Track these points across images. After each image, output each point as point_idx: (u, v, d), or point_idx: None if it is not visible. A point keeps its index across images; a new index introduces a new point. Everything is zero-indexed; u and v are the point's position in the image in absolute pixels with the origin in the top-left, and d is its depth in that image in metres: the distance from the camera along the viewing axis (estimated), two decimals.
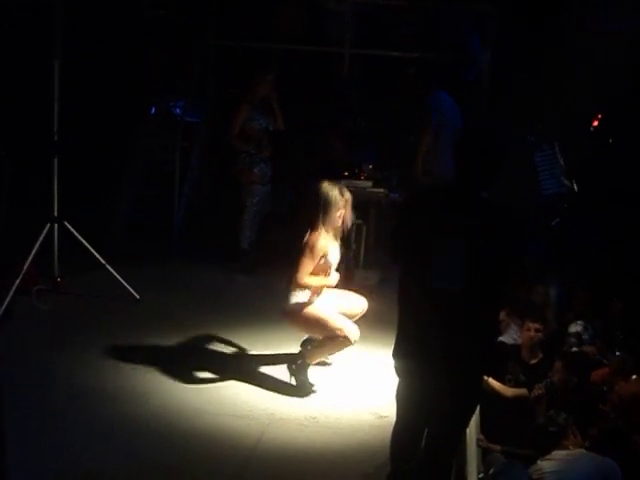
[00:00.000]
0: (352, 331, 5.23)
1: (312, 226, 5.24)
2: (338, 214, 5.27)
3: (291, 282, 5.25)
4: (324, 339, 5.34)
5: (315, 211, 5.23)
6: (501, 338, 5.64)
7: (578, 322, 5.70)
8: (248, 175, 7.38)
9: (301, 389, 5.27)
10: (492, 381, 5.21)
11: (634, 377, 4.91)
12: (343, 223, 5.35)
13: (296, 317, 5.31)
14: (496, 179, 3.41)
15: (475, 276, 3.32)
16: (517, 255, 3.45)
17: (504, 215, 3.43)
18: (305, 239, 5.22)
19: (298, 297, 5.27)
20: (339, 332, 5.21)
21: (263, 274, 7.32)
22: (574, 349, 5.45)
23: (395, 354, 3.54)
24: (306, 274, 5.19)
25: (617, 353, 5.13)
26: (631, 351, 5.27)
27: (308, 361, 5.34)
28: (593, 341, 5.61)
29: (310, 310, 5.28)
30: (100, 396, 5.04)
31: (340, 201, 5.26)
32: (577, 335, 5.60)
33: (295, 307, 5.28)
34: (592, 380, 5.08)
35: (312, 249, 5.19)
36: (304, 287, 5.24)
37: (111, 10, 8.06)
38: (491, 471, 4.40)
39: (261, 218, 7.56)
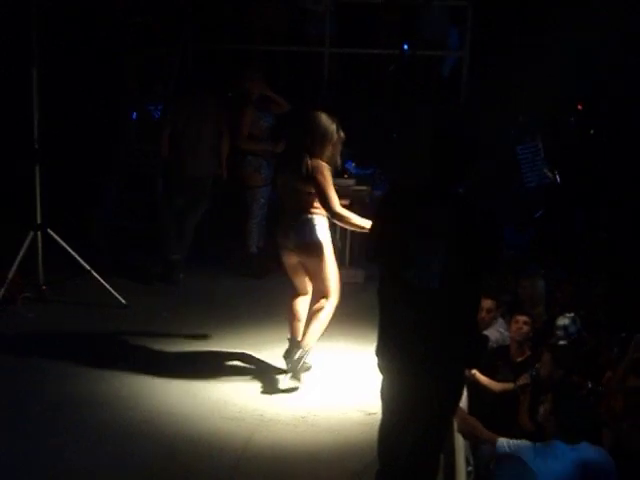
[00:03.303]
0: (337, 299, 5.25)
1: (309, 152, 5.08)
2: (331, 149, 5.15)
3: (306, 212, 5.10)
4: (312, 320, 5.30)
5: (311, 138, 5.09)
6: (486, 332, 5.67)
7: (566, 315, 5.73)
8: (255, 179, 7.35)
9: (294, 384, 5.29)
10: (480, 376, 5.25)
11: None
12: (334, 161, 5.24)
13: (318, 253, 5.14)
14: (471, 174, 3.43)
15: (453, 273, 3.33)
16: (493, 251, 3.45)
17: (478, 211, 3.44)
18: (309, 164, 5.04)
19: (321, 232, 5.14)
20: (333, 295, 5.21)
21: (250, 276, 7.36)
22: (561, 342, 5.48)
23: (377, 352, 3.55)
24: (337, 201, 5.01)
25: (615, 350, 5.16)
26: (616, 338, 5.30)
27: (306, 348, 5.30)
28: (580, 334, 5.64)
29: (329, 255, 5.17)
30: (88, 402, 5.03)
31: (335, 136, 5.16)
32: (564, 328, 5.62)
33: (321, 242, 5.13)
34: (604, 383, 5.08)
35: (323, 173, 5.02)
36: (340, 217, 5.05)
37: (89, 16, 8.04)
38: (491, 465, 4.43)
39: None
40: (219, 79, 8.25)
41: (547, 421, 4.34)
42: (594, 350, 5.46)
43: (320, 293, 5.32)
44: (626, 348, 5.07)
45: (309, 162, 5.04)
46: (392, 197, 3.66)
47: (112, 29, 8.20)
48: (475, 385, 5.12)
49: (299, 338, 5.39)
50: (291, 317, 5.46)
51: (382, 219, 3.58)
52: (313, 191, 5.09)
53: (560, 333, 5.58)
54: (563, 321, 5.62)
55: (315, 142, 5.08)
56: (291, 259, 5.30)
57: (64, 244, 6.43)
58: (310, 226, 5.15)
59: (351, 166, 7.69)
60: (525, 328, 5.52)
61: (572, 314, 5.69)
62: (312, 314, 5.32)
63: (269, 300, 6.70)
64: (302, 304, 5.45)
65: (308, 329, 5.31)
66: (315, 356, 5.52)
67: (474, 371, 5.20)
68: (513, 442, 4.27)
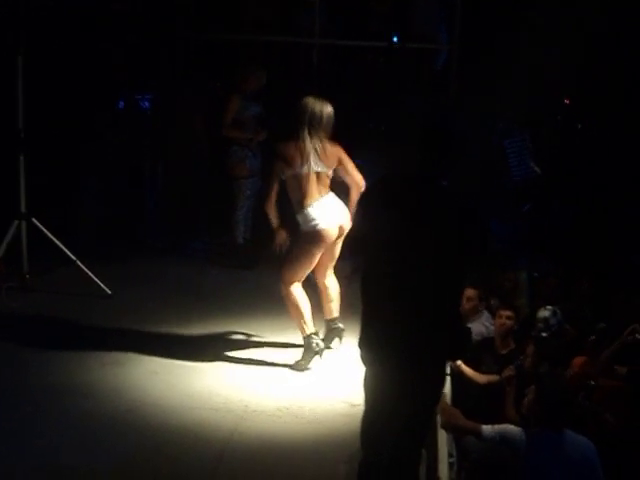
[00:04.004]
0: None
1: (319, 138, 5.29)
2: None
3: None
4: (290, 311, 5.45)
5: (300, 122, 5.26)
6: (472, 324, 5.68)
7: (547, 307, 5.75)
8: (240, 169, 7.33)
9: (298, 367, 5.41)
10: (465, 368, 5.27)
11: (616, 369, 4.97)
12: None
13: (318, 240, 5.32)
14: (456, 167, 3.42)
15: (437, 266, 3.33)
16: (478, 243, 3.45)
17: (463, 204, 3.44)
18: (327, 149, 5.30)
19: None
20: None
21: (238, 267, 7.34)
22: (542, 334, 5.50)
23: (360, 344, 3.55)
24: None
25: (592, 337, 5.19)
26: (600, 332, 5.33)
27: (303, 334, 5.40)
28: (561, 326, 5.65)
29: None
30: (72, 392, 5.01)
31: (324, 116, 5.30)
32: (544, 320, 5.64)
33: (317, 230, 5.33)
34: (573, 367, 5.11)
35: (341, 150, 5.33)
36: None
37: (77, 3, 7.98)
38: (473, 455, 4.45)
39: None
40: (208, 69, 8.23)
41: (531, 411, 4.37)
42: (576, 341, 5.49)
43: (330, 270, 5.58)
44: (604, 338, 5.11)
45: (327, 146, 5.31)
46: (377, 189, 3.65)
47: (102, 16, 8.15)
48: (459, 377, 5.14)
49: (335, 314, 5.61)
50: (325, 299, 5.62)
51: (366, 212, 3.57)
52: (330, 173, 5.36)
53: (541, 325, 5.60)
54: (543, 313, 5.63)
55: (303, 126, 5.24)
56: (332, 239, 5.40)
57: (49, 233, 6.40)
58: (344, 206, 5.36)
59: None
60: (509, 323, 5.55)
61: (552, 306, 5.71)
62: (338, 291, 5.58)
63: (255, 291, 6.70)
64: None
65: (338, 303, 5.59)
66: (300, 346, 5.52)
67: (459, 362, 5.22)
68: (498, 427, 4.30)
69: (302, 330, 5.40)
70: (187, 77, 7.90)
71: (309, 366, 5.39)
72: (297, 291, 5.38)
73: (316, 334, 5.42)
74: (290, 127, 5.33)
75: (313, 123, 5.25)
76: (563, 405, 4.26)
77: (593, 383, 4.95)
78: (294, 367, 5.41)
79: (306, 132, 5.24)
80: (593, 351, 5.19)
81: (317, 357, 5.39)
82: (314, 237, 5.27)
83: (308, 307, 5.40)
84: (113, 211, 8.05)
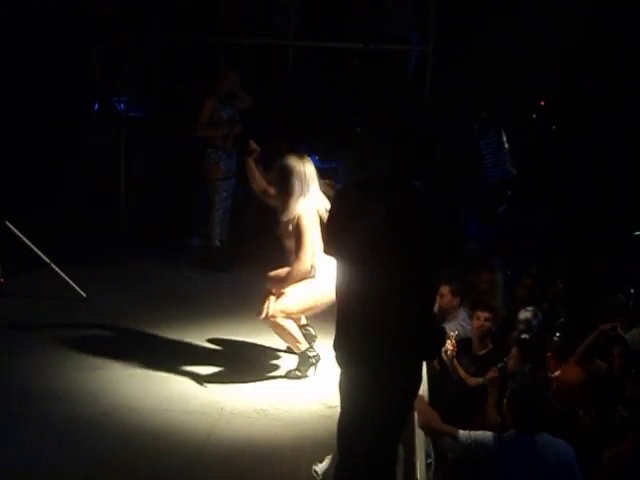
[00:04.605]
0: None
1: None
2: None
3: None
4: None
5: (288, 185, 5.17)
6: (449, 324, 5.71)
7: (528, 308, 5.78)
8: (215, 171, 7.35)
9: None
10: (459, 368, 5.29)
11: (571, 361, 5.02)
12: None
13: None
14: (428, 166, 3.42)
15: (410, 267, 3.33)
16: (454, 244, 3.43)
17: (437, 204, 3.43)
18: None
19: None
20: None
21: (215, 269, 7.33)
22: (523, 336, 5.53)
23: (335, 346, 3.55)
24: None
25: (557, 335, 5.23)
26: (573, 333, 5.38)
27: (298, 352, 5.34)
28: (541, 327, 5.70)
29: None
30: (48, 397, 4.97)
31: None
32: (526, 322, 5.67)
33: None
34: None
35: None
36: None
37: (51, 5, 7.93)
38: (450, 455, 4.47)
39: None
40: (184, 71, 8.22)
41: (507, 413, 4.40)
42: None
43: None
44: (568, 333, 5.16)
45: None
46: (348, 191, 3.64)
47: (77, 18, 8.10)
48: (436, 378, 5.16)
49: (304, 320, 5.54)
50: None
51: (338, 213, 3.54)
52: None
53: (522, 327, 5.63)
54: (525, 315, 5.68)
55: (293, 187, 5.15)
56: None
57: (22, 236, 6.35)
58: None
59: (314, 159, 7.69)
60: (487, 324, 5.57)
61: (533, 308, 5.75)
62: None
63: (231, 293, 6.68)
64: None
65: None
66: (276, 349, 5.52)
67: (455, 362, 5.25)
68: (474, 433, 4.32)
69: (296, 348, 5.35)
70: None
71: (307, 374, 5.34)
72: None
73: (311, 347, 5.37)
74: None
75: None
76: (535, 408, 4.27)
77: (554, 374, 5.00)
78: (289, 375, 5.35)
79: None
80: (558, 348, 5.24)
81: (313, 368, 5.35)
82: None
83: (293, 323, 5.32)
84: (89, 213, 8.02)
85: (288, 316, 5.22)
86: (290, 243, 5.23)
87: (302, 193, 5.16)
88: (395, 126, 3.43)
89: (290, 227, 5.17)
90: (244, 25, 8.91)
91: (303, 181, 5.17)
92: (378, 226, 3.34)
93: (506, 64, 8.07)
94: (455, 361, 5.25)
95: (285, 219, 5.18)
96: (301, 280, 5.18)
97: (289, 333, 5.27)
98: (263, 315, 5.16)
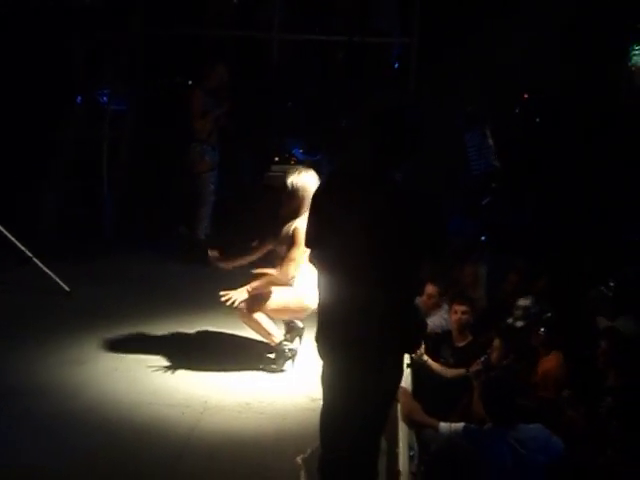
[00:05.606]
0: None
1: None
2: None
3: None
4: None
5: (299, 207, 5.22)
6: (431, 318, 5.73)
7: (527, 296, 5.78)
8: (201, 165, 7.33)
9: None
10: (431, 362, 5.31)
11: (553, 353, 5.04)
12: None
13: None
14: (409, 158, 3.40)
15: (391, 261, 3.32)
16: (434, 240, 3.42)
17: (417, 199, 3.40)
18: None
19: None
20: None
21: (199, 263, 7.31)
22: (518, 323, 5.55)
23: (317, 338, 3.55)
24: None
25: (541, 330, 5.25)
26: (556, 327, 5.39)
27: (273, 344, 5.42)
28: (540, 316, 5.68)
29: None
30: (31, 391, 4.96)
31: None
32: (525, 308, 5.66)
33: None
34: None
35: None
36: None
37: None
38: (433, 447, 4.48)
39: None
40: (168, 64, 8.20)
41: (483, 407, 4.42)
42: None
43: None
44: (552, 328, 5.18)
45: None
46: (329, 184, 3.62)
47: (59, 11, 8.05)
48: (420, 370, 5.18)
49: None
50: None
51: (318, 207, 3.52)
52: None
53: (519, 313, 5.61)
54: (524, 302, 5.65)
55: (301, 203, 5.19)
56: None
57: (4, 231, 6.32)
58: None
59: (298, 152, 7.70)
60: (464, 317, 5.60)
61: (532, 296, 5.75)
62: None
63: (215, 287, 6.65)
64: None
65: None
66: (261, 343, 5.54)
67: (426, 358, 5.26)
68: (454, 425, 4.34)
69: (271, 341, 5.42)
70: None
71: (283, 368, 5.40)
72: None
73: (286, 340, 5.44)
74: None
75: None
76: (506, 399, 4.28)
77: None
78: (266, 369, 5.40)
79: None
80: (543, 343, 5.25)
81: (290, 361, 5.41)
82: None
83: (266, 317, 5.39)
84: (72, 207, 7.99)
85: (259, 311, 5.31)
86: (281, 249, 5.33)
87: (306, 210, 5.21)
88: (374, 118, 3.41)
89: (286, 235, 5.26)
90: (229, 18, 8.87)
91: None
92: (355, 224, 3.33)
93: (491, 57, 8.09)
94: (425, 357, 5.26)
95: (286, 229, 5.29)
96: (279, 286, 5.30)
97: (262, 327, 5.37)
98: (229, 303, 5.24)
